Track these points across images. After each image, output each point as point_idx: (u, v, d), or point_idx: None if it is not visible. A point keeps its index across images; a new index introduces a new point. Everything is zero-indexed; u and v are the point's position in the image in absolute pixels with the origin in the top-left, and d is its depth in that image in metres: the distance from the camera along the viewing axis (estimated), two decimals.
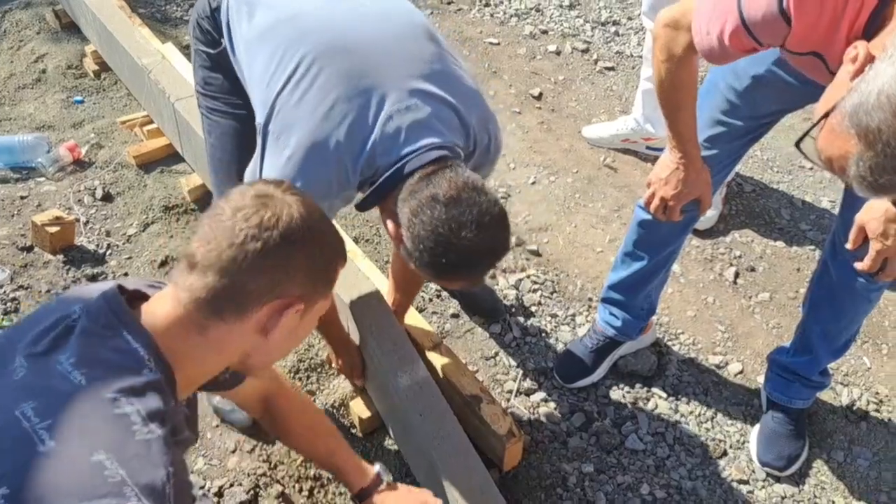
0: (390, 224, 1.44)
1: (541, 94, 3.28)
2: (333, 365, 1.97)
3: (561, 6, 3.84)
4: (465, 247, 1.31)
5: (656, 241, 1.91)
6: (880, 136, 0.93)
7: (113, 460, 0.86)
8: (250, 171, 1.54)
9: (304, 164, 1.43)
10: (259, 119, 1.52)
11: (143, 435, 0.91)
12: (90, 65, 3.23)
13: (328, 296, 1.13)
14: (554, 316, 2.36)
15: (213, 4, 1.70)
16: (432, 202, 1.32)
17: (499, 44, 3.58)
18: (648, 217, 1.84)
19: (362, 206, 1.53)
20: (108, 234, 2.53)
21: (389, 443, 1.97)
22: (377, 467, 1.57)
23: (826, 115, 1.03)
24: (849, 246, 1.58)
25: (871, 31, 1.11)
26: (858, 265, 1.57)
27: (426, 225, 1.32)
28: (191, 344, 1.03)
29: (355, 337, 1.95)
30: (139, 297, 1.06)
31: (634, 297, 2.05)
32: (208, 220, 1.03)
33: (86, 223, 2.56)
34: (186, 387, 1.08)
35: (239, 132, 1.75)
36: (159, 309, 1.03)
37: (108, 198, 2.66)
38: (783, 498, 1.93)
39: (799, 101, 1.68)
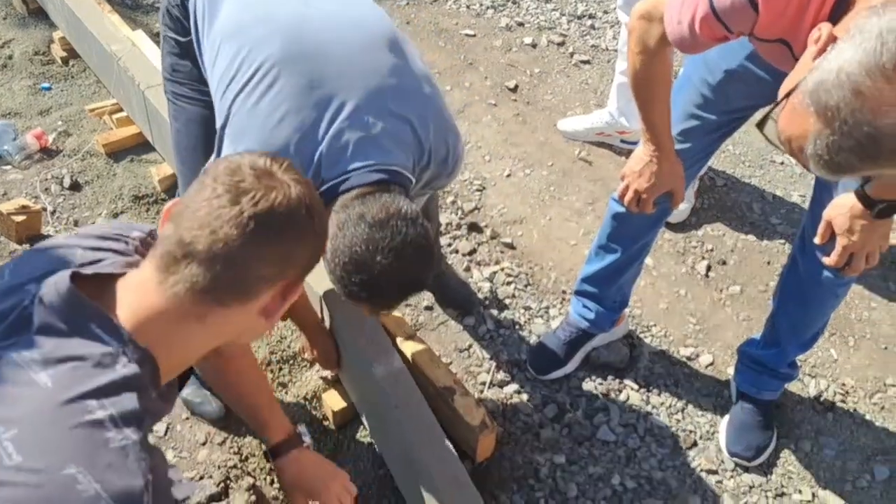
0: None
1: (516, 87, 3.28)
2: (307, 355, 1.96)
3: (538, 1, 3.84)
4: (376, 271, 1.31)
5: (629, 233, 1.93)
6: (838, 113, 0.93)
7: (86, 473, 0.81)
8: None
9: None
10: (218, 121, 1.52)
11: (117, 442, 0.85)
12: (58, 51, 3.17)
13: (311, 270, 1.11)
14: (528, 308, 2.36)
15: None
16: (358, 220, 1.32)
17: (475, 35, 3.58)
18: (622, 210, 1.85)
19: None
20: (75, 223, 2.48)
21: (363, 435, 1.97)
22: (299, 428, 1.52)
23: (788, 96, 1.03)
24: (817, 241, 1.60)
25: (836, 16, 1.11)
26: (826, 260, 1.59)
27: (346, 240, 1.32)
28: (184, 331, 0.96)
29: (328, 326, 1.93)
30: (103, 277, 0.98)
31: (608, 289, 2.06)
32: (201, 203, 0.94)
33: (53, 212, 2.51)
34: (172, 370, 1.02)
35: (206, 118, 1.72)
36: (137, 296, 0.95)
37: (75, 187, 2.61)
38: (751, 487, 1.95)
39: (771, 96, 1.69)
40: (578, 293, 2.14)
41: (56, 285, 0.92)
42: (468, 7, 3.77)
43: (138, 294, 0.95)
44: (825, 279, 1.72)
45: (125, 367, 0.90)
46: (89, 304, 0.92)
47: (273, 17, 1.54)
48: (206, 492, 1.80)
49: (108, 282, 0.97)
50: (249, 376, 1.52)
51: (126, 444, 0.86)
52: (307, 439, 1.54)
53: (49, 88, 3.04)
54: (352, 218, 1.33)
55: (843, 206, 1.51)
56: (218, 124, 1.54)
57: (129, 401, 0.89)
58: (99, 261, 1.00)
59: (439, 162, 1.60)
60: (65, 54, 3.16)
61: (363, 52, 1.52)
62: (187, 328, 0.96)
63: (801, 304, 1.83)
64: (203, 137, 1.74)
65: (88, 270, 0.96)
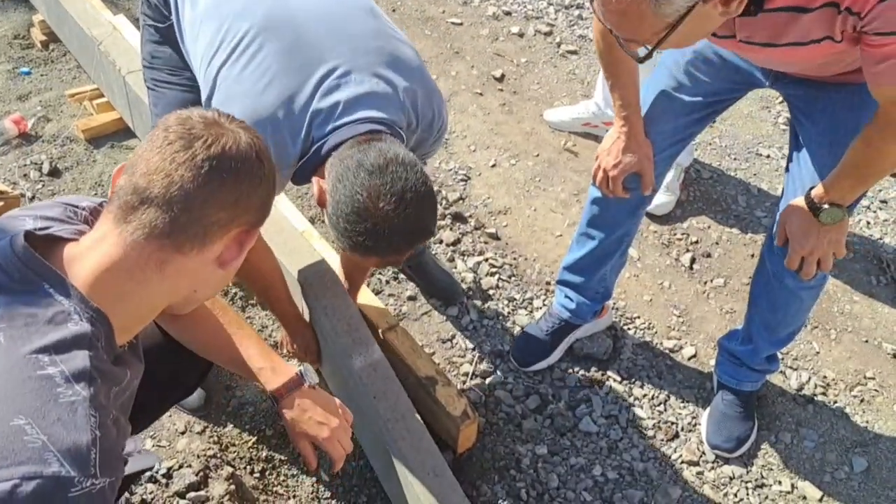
0: (316, 187, 1.40)
1: (503, 76, 3.26)
2: (286, 348, 1.94)
3: None
4: (381, 217, 1.28)
5: (608, 220, 1.92)
6: None
7: (34, 425, 0.82)
8: None
9: None
10: (203, 94, 1.51)
11: (66, 397, 0.86)
12: (38, 35, 3.12)
13: (264, 221, 1.11)
14: (511, 299, 2.36)
15: None
16: (357, 168, 1.29)
17: (461, 24, 3.55)
18: (600, 194, 1.86)
19: (297, 178, 1.51)
20: None
21: None
22: (299, 368, 1.49)
23: None
24: (776, 242, 1.61)
25: None
26: (785, 261, 1.60)
27: (346, 189, 1.29)
28: (141, 283, 0.97)
29: (309, 318, 1.92)
30: (54, 239, 0.99)
31: (589, 278, 2.05)
32: (154, 151, 0.96)
33: (31, 198, 2.47)
34: (130, 328, 1.03)
35: (186, 102, 1.71)
36: (94, 252, 0.96)
37: (55, 173, 2.57)
38: (731, 479, 1.96)
39: (738, 84, 1.69)
40: (561, 282, 2.14)
41: (11, 245, 0.94)
42: None
43: (96, 250, 0.97)
44: (788, 281, 1.73)
45: (76, 325, 0.92)
46: (43, 263, 0.93)
47: None
48: (186, 480, 1.79)
49: (59, 245, 0.99)
50: (221, 332, 1.48)
51: (75, 400, 0.87)
52: (311, 378, 1.48)
53: (28, 73, 2.99)
54: (350, 167, 1.30)
55: (794, 208, 1.53)
56: (203, 96, 1.52)
57: (79, 358, 0.90)
58: (49, 227, 1.01)
59: (426, 125, 1.60)
60: (45, 38, 3.11)
61: (346, 18, 1.52)
62: (145, 278, 0.97)
63: (769, 304, 1.84)
64: None
65: (41, 234, 0.98)
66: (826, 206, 1.46)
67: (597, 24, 1.58)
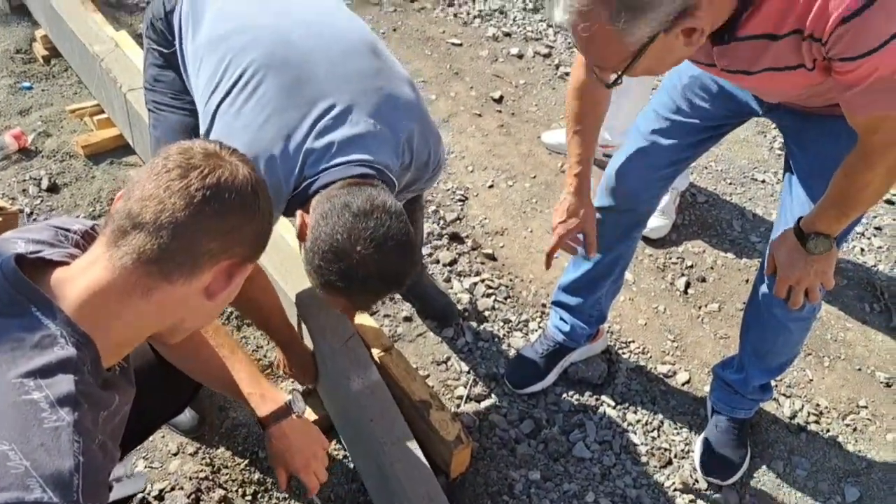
0: (300, 220, 1.42)
1: (501, 98, 3.28)
2: (283, 370, 1.94)
3: (525, 9, 3.85)
4: (356, 260, 1.29)
5: (603, 242, 1.93)
6: None
7: (17, 451, 0.82)
8: None
9: None
10: (202, 128, 1.52)
11: (51, 423, 0.86)
12: (40, 50, 3.13)
13: (259, 256, 1.11)
14: (507, 321, 2.36)
15: (167, 7, 1.71)
16: (343, 209, 1.31)
17: (461, 45, 3.58)
18: (598, 216, 1.88)
19: (286, 211, 1.52)
20: None
21: (337, 448, 1.95)
22: (288, 397, 1.52)
23: None
24: (766, 271, 1.62)
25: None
26: (773, 290, 1.61)
27: (328, 228, 1.30)
28: (128, 308, 0.97)
29: (306, 338, 1.92)
30: (44, 263, 1.00)
31: (584, 301, 2.07)
32: (151, 177, 0.97)
33: (30, 214, 2.48)
34: (116, 352, 1.04)
35: (186, 126, 1.72)
36: (84, 276, 0.97)
37: (53, 189, 2.58)
38: None
39: (733, 112, 1.72)
40: (556, 303, 2.15)
41: (1, 269, 0.94)
42: (455, 16, 3.77)
43: (86, 274, 0.97)
44: (777, 311, 1.74)
45: (62, 350, 0.92)
46: (31, 287, 0.94)
47: (255, 26, 1.55)
48: (178, 503, 1.78)
49: (50, 268, 0.99)
50: (214, 355, 1.50)
51: (59, 426, 0.87)
52: (299, 406, 1.53)
53: (30, 88, 3.01)
54: (336, 207, 1.32)
55: (783, 238, 1.54)
56: (202, 130, 1.54)
57: (65, 383, 0.90)
58: (40, 251, 1.02)
59: (420, 165, 1.62)
60: (47, 53, 3.12)
61: (346, 58, 1.53)
62: (132, 304, 0.98)
63: (760, 333, 1.84)
64: None
65: (32, 257, 0.99)
66: (813, 235, 1.47)
67: (575, 73, 1.62)
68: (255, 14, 1.57)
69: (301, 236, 1.40)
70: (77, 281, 0.97)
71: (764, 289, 1.75)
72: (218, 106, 1.49)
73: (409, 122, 1.53)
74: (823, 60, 1.23)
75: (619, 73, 1.22)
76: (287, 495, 1.85)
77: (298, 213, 1.43)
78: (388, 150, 1.48)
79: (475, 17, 3.77)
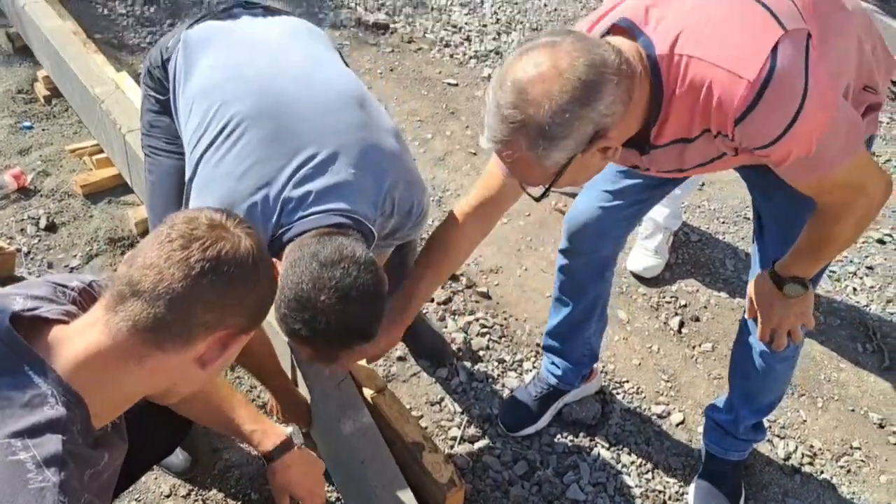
0: (273, 264, 1.44)
1: None
2: (277, 416, 1.94)
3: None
4: (318, 310, 1.29)
5: (576, 286, 1.97)
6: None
7: None
8: None
9: None
10: (187, 174, 1.55)
11: (36, 483, 0.87)
12: (41, 90, 3.18)
13: (258, 327, 1.12)
14: (501, 361, 2.37)
15: (164, 56, 1.75)
16: (311, 258, 1.32)
17: (457, 85, 3.63)
18: (566, 261, 1.93)
19: None
20: (49, 265, 2.47)
21: (329, 489, 1.95)
22: (289, 430, 1.54)
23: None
24: (746, 315, 1.65)
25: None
26: (757, 334, 1.63)
27: (295, 276, 1.31)
28: (121, 373, 0.99)
29: (300, 381, 1.92)
30: (41, 320, 1.01)
31: (572, 344, 2.08)
32: (154, 245, 0.99)
33: (27, 253, 2.49)
34: (107, 414, 1.04)
35: (180, 170, 1.75)
36: (81, 337, 0.98)
37: (51, 228, 2.60)
38: None
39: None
40: (545, 348, 2.16)
41: None
42: (451, 56, 3.83)
43: (83, 335, 0.98)
44: (762, 352, 1.76)
45: (52, 409, 0.92)
46: (24, 346, 0.95)
47: (243, 77, 1.59)
48: None
49: (45, 326, 1.01)
50: (212, 398, 1.52)
51: (45, 486, 0.87)
52: (297, 440, 1.56)
53: (30, 127, 3.04)
54: (305, 256, 1.33)
55: (759, 282, 1.57)
56: (187, 177, 1.57)
57: (52, 443, 0.91)
58: (37, 308, 1.03)
59: (403, 213, 1.64)
60: (48, 93, 3.16)
61: (331, 110, 1.56)
62: (125, 369, 0.99)
63: (746, 374, 1.86)
64: (177, 189, 1.76)
65: (27, 314, 1.00)
66: (789, 280, 1.50)
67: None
68: (244, 66, 1.61)
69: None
70: (74, 341, 0.98)
71: (747, 331, 1.77)
72: (202, 155, 1.52)
73: (392, 172, 1.56)
74: (741, 148, 1.30)
75: (545, 188, 1.29)
76: None
77: (272, 260, 1.44)
78: (367, 200, 1.50)
79: (471, 57, 3.83)
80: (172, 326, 0.97)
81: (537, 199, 1.33)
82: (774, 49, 1.17)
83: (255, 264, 1.02)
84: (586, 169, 1.29)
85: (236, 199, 1.44)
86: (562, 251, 1.94)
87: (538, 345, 2.43)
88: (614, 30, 1.28)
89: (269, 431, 1.52)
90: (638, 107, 1.25)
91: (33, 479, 0.87)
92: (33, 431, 0.90)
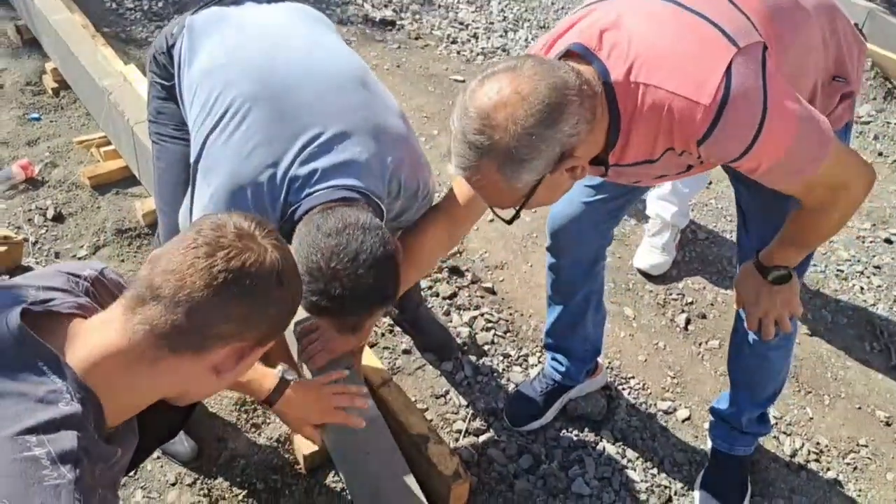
0: None
1: None
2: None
3: (527, 48, 3.92)
4: (332, 277, 1.29)
5: (565, 285, 1.97)
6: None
7: None
8: (183, 208, 1.56)
9: (224, 202, 1.46)
10: (192, 156, 1.55)
11: (52, 480, 0.86)
12: (49, 82, 3.19)
13: (276, 338, 1.11)
14: (506, 356, 2.36)
15: (169, 42, 1.75)
16: (316, 231, 1.32)
17: (464, 81, 3.63)
18: (553, 260, 1.93)
19: None
20: (56, 255, 2.47)
21: (334, 480, 1.94)
22: (279, 369, 1.53)
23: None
24: (735, 305, 1.65)
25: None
26: (746, 324, 1.63)
27: (303, 250, 1.31)
28: (134, 375, 0.98)
29: (306, 372, 1.92)
30: (54, 316, 1.00)
31: (571, 341, 2.08)
32: (179, 250, 0.97)
33: (35, 243, 2.50)
34: (121, 413, 1.03)
35: (187, 158, 1.75)
36: (97, 335, 0.97)
37: (59, 218, 2.60)
38: None
39: None
40: (546, 347, 2.16)
41: (6, 323, 0.94)
42: (458, 53, 3.83)
43: (100, 332, 0.98)
44: (754, 342, 1.77)
45: (67, 406, 0.92)
46: (37, 342, 0.94)
47: (245, 59, 1.59)
48: None
49: (58, 320, 1.00)
50: None
51: (60, 483, 0.86)
52: (291, 376, 1.55)
53: (38, 119, 3.05)
54: (310, 230, 1.34)
55: (745, 272, 1.58)
56: (192, 159, 1.57)
57: (67, 439, 0.90)
58: (51, 300, 1.02)
59: (410, 195, 1.63)
60: (56, 85, 3.18)
61: (335, 89, 1.56)
62: (138, 371, 0.98)
63: (743, 366, 1.87)
64: (185, 176, 1.76)
65: (39, 308, 0.99)
66: (773, 269, 1.51)
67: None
68: (247, 48, 1.61)
69: None
70: (89, 338, 0.97)
71: (740, 323, 1.78)
72: (207, 136, 1.52)
73: (397, 151, 1.55)
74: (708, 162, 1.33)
75: (516, 209, 1.30)
76: None
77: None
78: (373, 177, 1.50)
79: (478, 54, 3.84)
80: (189, 334, 0.96)
81: (509, 222, 1.33)
82: (728, 69, 1.19)
83: (279, 278, 1.00)
84: (555, 189, 1.30)
85: (243, 179, 1.44)
86: (548, 249, 1.95)
87: (542, 340, 2.42)
88: (569, 55, 1.28)
89: (263, 379, 1.52)
90: (601, 125, 1.26)
91: (48, 475, 0.86)
92: (48, 427, 0.89)
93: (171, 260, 0.96)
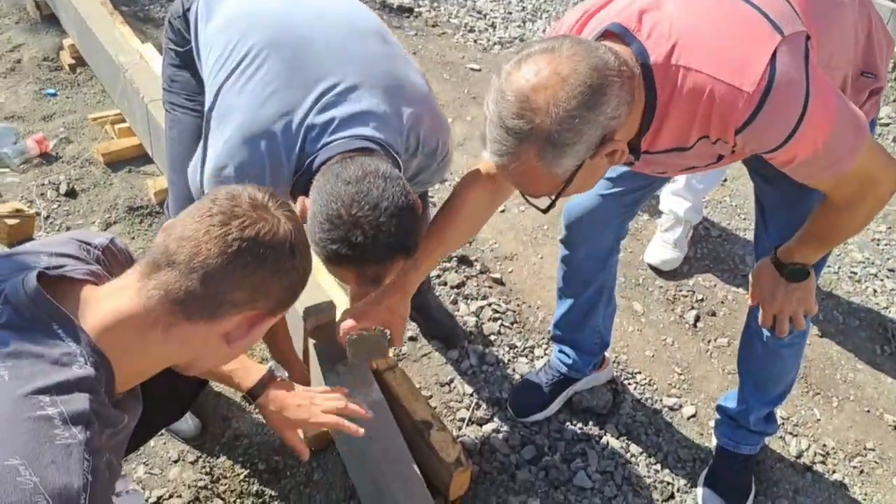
0: (300, 206, 1.39)
1: None
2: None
3: (544, 38, 3.89)
4: (353, 224, 1.26)
5: (578, 277, 1.95)
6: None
7: (28, 466, 0.83)
8: (195, 160, 1.55)
9: (238, 150, 1.44)
10: (206, 105, 1.54)
11: (63, 440, 0.87)
12: (66, 58, 3.20)
13: (287, 309, 1.12)
14: (513, 346, 2.35)
15: (185, 5, 1.74)
16: (336, 179, 1.30)
17: (480, 70, 3.61)
18: (566, 252, 1.91)
19: (294, 195, 1.51)
20: (68, 230, 2.48)
21: (336, 464, 1.95)
22: (270, 365, 1.51)
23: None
24: (749, 301, 1.63)
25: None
26: (760, 321, 1.61)
27: (323, 199, 1.29)
28: (148, 341, 0.99)
29: (312, 355, 1.92)
30: (66, 279, 1.01)
31: (581, 333, 2.06)
32: (194, 218, 0.98)
33: (46, 218, 2.51)
34: (130, 380, 1.05)
35: (199, 129, 1.75)
36: (111, 300, 0.98)
37: (71, 194, 2.61)
38: None
39: None
40: (554, 338, 2.15)
41: (23, 285, 0.95)
42: (476, 42, 3.81)
43: (114, 298, 0.99)
44: (767, 339, 1.75)
45: (81, 369, 0.93)
46: (53, 305, 0.95)
47: (263, 10, 1.58)
48: None
49: (71, 285, 1.01)
50: None
51: (71, 444, 0.87)
52: (281, 374, 1.53)
53: (54, 94, 3.06)
54: (329, 179, 1.31)
55: (761, 268, 1.56)
56: (206, 107, 1.55)
57: (80, 401, 0.91)
58: (63, 266, 1.03)
59: (429, 152, 1.60)
60: (73, 62, 3.18)
61: (353, 40, 1.54)
62: (151, 337, 0.99)
63: (754, 363, 1.85)
64: (195, 147, 1.75)
65: (53, 273, 1.00)
66: (791, 265, 1.49)
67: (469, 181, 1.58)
68: (263, 2, 1.60)
69: (302, 219, 1.40)
70: (103, 304, 0.98)
71: (753, 320, 1.76)
72: (222, 84, 1.50)
73: (416, 106, 1.52)
74: (741, 152, 1.29)
75: (553, 197, 1.26)
76: None
77: (300, 198, 1.40)
78: (391, 130, 1.47)
79: (495, 43, 3.81)
80: (203, 301, 0.97)
81: (544, 211, 1.30)
82: (773, 57, 1.15)
83: (291, 249, 1.02)
84: (594, 174, 1.27)
85: (257, 128, 1.42)
86: (562, 241, 1.92)
87: (550, 332, 2.41)
88: (606, 35, 1.25)
89: (250, 369, 1.50)
90: (637, 108, 1.22)
91: (60, 434, 0.87)
92: (61, 388, 0.90)
93: (187, 227, 0.98)
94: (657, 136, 1.30)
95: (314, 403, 1.48)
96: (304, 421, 1.46)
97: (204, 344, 1.03)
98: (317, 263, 2.03)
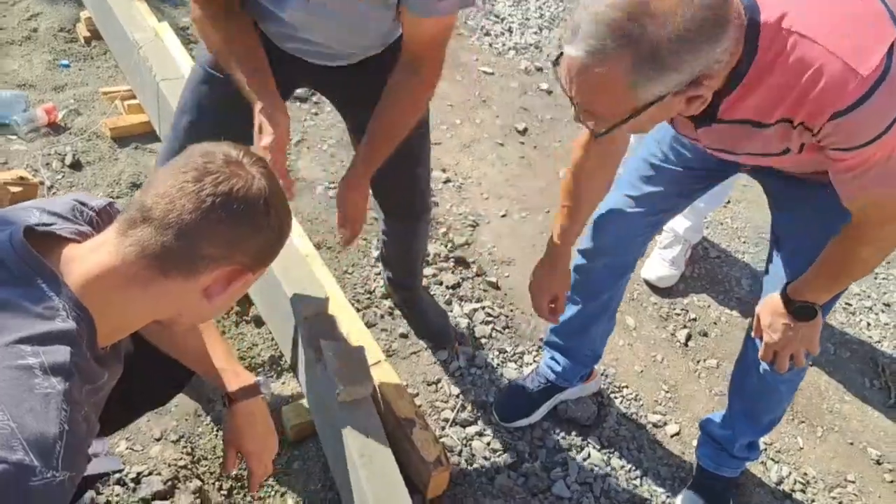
0: None
1: (526, 130, 3.31)
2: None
3: (560, 47, 3.88)
4: None
5: (590, 287, 1.94)
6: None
7: (6, 412, 0.84)
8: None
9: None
10: None
11: (42, 389, 0.88)
12: (82, 31, 3.20)
13: (266, 268, 1.13)
14: (502, 351, 2.36)
15: None
16: None
17: (492, 74, 3.62)
18: (583, 261, 1.90)
19: None
20: None
21: (318, 453, 1.95)
22: (259, 379, 1.51)
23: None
24: (753, 333, 1.62)
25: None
26: (759, 354, 1.60)
27: None
28: (127, 296, 1.00)
29: (306, 344, 1.93)
30: (55, 236, 1.03)
31: (576, 342, 2.06)
32: (170, 174, 1.00)
33: (49, 187, 2.52)
34: (112, 334, 1.06)
35: (205, 90, 1.75)
36: (92, 257, 1.00)
37: (76, 166, 2.62)
38: None
39: (718, 166, 1.66)
40: (548, 343, 2.14)
41: (10, 238, 0.97)
42: (490, 45, 3.81)
43: (94, 254, 1.00)
44: (765, 372, 1.73)
45: (63, 322, 0.94)
46: (38, 259, 0.96)
47: None
48: (153, 488, 1.78)
49: (59, 243, 1.02)
50: (194, 330, 1.49)
51: (50, 393, 0.89)
52: (268, 389, 1.52)
53: (68, 66, 3.07)
54: None
55: (769, 303, 1.53)
56: None
57: (61, 353, 0.92)
58: (52, 223, 1.04)
59: None
60: (88, 34, 3.19)
61: None
62: (130, 293, 1.00)
63: (748, 392, 1.84)
64: (190, 103, 1.77)
65: (41, 229, 1.02)
66: (800, 303, 1.47)
67: (578, 155, 1.63)
68: None
69: None
70: (84, 260, 1.00)
71: (752, 350, 1.74)
72: None
73: None
74: (815, 144, 1.24)
75: (608, 128, 1.17)
76: (262, 495, 1.85)
77: None
78: None
79: (510, 48, 3.82)
80: (178, 256, 0.99)
81: (597, 136, 1.20)
82: (891, 48, 1.10)
83: (266, 205, 1.03)
84: (663, 115, 1.19)
85: None
86: (582, 252, 1.90)
87: (541, 339, 2.42)
88: None
89: (240, 374, 1.50)
90: (733, 61, 1.14)
91: (39, 384, 0.89)
92: (43, 339, 0.92)
93: (163, 183, 0.99)
94: (740, 103, 1.22)
95: (267, 449, 1.48)
96: (251, 453, 1.46)
97: (183, 300, 1.05)
98: (303, 255, 2.01)
